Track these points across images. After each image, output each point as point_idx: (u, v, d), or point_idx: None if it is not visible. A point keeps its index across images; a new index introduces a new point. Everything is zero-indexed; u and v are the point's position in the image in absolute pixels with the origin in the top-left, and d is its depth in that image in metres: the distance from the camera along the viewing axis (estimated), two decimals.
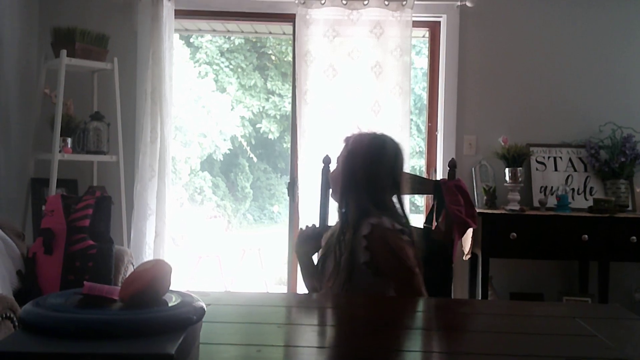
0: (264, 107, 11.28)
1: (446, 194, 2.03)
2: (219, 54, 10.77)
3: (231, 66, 10.99)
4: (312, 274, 2.13)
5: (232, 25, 4.39)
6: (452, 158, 2.32)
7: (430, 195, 3.32)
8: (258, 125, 11.27)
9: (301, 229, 2.20)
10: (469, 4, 3.67)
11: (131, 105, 3.65)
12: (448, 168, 2.22)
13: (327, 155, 2.28)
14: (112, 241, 2.83)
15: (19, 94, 3.51)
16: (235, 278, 7.17)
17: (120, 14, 3.68)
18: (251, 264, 7.52)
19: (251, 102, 11.24)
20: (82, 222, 2.74)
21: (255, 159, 12.07)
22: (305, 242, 2.15)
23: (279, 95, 11.22)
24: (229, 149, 11.40)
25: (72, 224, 2.73)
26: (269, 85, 11.26)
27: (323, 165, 2.28)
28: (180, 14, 3.72)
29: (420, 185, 2.21)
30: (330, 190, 2.11)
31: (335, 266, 1.91)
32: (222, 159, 11.44)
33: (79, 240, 2.71)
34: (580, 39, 3.79)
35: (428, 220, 2.16)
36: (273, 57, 11.42)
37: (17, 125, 3.50)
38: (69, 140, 3.32)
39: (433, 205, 2.15)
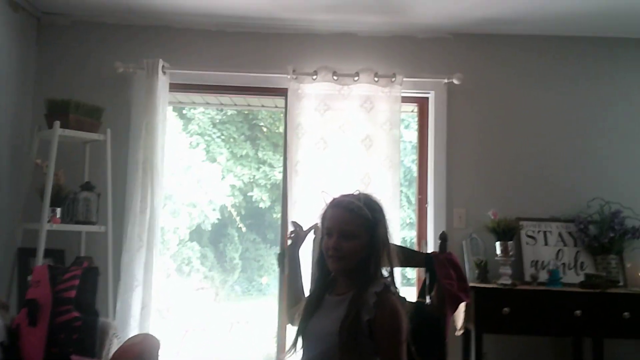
0: (254, 177, 11.33)
1: (438, 268, 2.02)
2: (211, 125, 10.89)
3: (223, 137, 11.10)
4: (298, 286, 2.23)
5: (225, 98, 4.46)
6: (443, 231, 2.32)
7: (421, 268, 3.31)
8: (249, 194, 11.29)
9: (295, 230, 2.30)
10: (456, 82, 3.77)
11: (122, 175, 3.66)
12: (439, 241, 2.22)
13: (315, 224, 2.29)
14: (98, 313, 2.77)
15: (11, 164, 3.51)
16: (222, 352, 6.99)
17: (114, 86, 3.74)
18: (239, 337, 7.36)
19: (242, 172, 11.29)
20: (68, 293, 2.70)
21: (244, 229, 12.02)
22: (297, 243, 2.26)
23: (270, 165, 11.30)
24: (218, 219, 11.35)
25: (57, 295, 2.68)
26: (260, 154, 11.35)
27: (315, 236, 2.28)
28: (174, 87, 3.79)
29: (412, 257, 2.20)
30: (344, 261, 2.02)
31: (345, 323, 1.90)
32: (210, 228, 11.38)
33: (64, 312, 2.65)
34: (567, 114, 3.88)
35: (421, 294, 2.14)
36: (264, 129, 11.57)
37: (7, 194, 3.48)
38: (58, 210, 3.30)
39: (425, 279, 2.13)
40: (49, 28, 3.80)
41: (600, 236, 3.64)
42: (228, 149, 11.34)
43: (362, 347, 1.86)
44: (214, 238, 11.97)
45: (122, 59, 3.70)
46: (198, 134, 10.72)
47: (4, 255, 3.39)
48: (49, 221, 3.22)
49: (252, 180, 11.42)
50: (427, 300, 2.19)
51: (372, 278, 1.93)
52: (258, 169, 11.42)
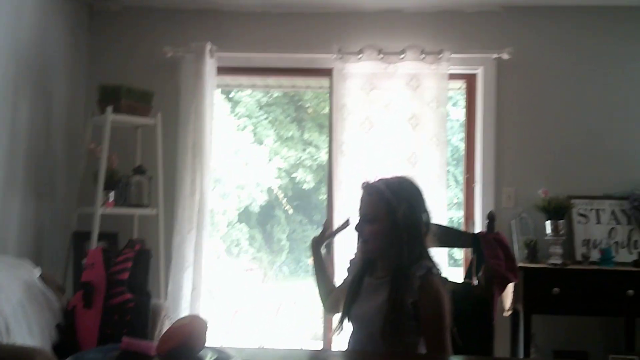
0: (300, 158, 11.39)
1: (485, 248, 2.00)
2: (258, 108, 10.97)
3: (269, 119, 11.18)
4: (322, 275, 2.26)
5: (271, 80, 4.47)
6: (491, 210, 2.29)
7: (468, 249, 3.28)
8: (294, 175, 11.36)
9: (324, 228, 2.32)
10: (505, 57, 3.69)
11: (172, 159, 3.72)
12: (487, 220, 2.19)
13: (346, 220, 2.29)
14: (150, 295, 2.84)
15: (66, 149, 3.63)
16: (270, 333, 7.10)
17: (164, 71, 3.80)
18: (287, 318, 7.46)
19: (288, 153, 11.36)
20: (121, 276, 2.77)
21: (291, 211, 12.11)
22: (321, 240, 2.27)
23: (315, 146, 11.33)
24: (266, 201, 11.47)
25: (111, 277, 2.75)
26: (305, 136, 11.39)
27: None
28: (222, 70, 3.83)
29: (458, 238, 2.18)
30: (367, 245, 2.04)
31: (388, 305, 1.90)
32: (258, 210, 11.51)
33: (117, 294, 2.73)
34: (621, 89, 3.76)
35: (468, 274, 2.12)
36: (310, 110, 11.58)
37: (63, 179, 3.60)
38: (112, 194, 3.39)
39: (472, 260, 2.11)
40: (100, 14, 3.88)
41: None
42: (275, 131, 11.42)
43: (406, 328, 1.87)
44: (261, 219, 12.11)
45: (170, 44, 3.75)
46: (245, 117, 10.82)
47: (60, 239, 3.51)
48: (102, 205, 3.31)
49: (298, 162, 11.50)
50: (475, 281, 2.17)
51: (409, 261, 1.91)
52: (304, 150, 11.47)
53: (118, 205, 3.44)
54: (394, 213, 1.92)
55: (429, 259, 1.94)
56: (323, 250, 2.30)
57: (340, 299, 2.15)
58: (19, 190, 3.16)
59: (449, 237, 2.09)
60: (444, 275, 1.91)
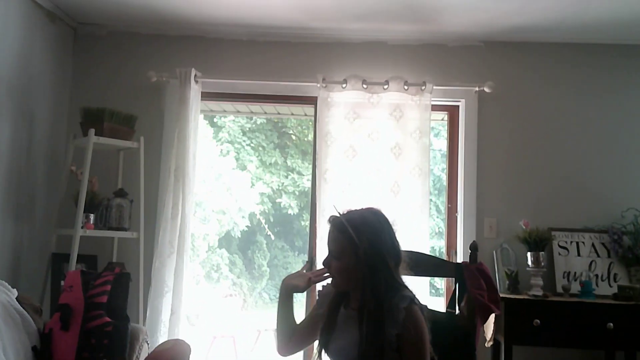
0: (283, 184, 11.39)
1: (468, 278, 2.01)
2: (241, 133, 11.00)
3: (252, 145, 11.20)
4: (288, 320, 2.15)
5: (255, 107, 4.50)
6: (474, 241, 2.30)
7: (451, 279, 3.29)
8: (278, 200, 11.35)
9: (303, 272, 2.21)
10: (487, 90, 3.74)
11: (154, 182, 3.71)
12: (469, 251, 2.20)
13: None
14: (129, 319, 2.81)
15: (46, 171, 3.59)
16: None
17: (147, 95, 3.81)
18: (266, 345, 7.37)
19: (271, 179, 11.37)
20: (100, 299, 2.74)
21: (272, 237, 12.07)
22: (299, 277, 2.15)
23: (299, 172, 11.36)
24: (247, 226, 11.43)
25: (89, 300, 2.72)
26: (289, 162, 11.42)
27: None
28: (206, 95, 3.84)
29: (441, 267, 2.18)
30: (335, 280, 2.04)
31: (365, 337, 1.88)
32: (239, 236, 11.46)
33: (96, 317, 2.69)
34: (601, 123, 3.82)
35: (450, 304, 2.12)
36: (293, 137, 11.64)
37: (42, 201, 3.56)
38: (92, 216, 3.36)
39: (455, 290, 2.12)
40: (85, 38, 3.89)
41: (635, 247, 3.57)
42: (257, 156, 11.44)
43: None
44: (242, 245, 12.05)
45: (155, 69, 3.76)
46: (228, 142, 10.83)
47: (38, 261, 3.46)
48: (82, 227, 3.27)
49: (280, 187, 11.51)
50: (457, 311, 2.17)
51: (379, 293, 1.90)
52: (287, 176, 11.49)
53: (98, 227, 3.40)
54: (356, 250, 1.92)
55: (407, 289, 1.94)
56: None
57: (305, 337, 2.14)
58: None
59: (432, 266, 2.10)
60: (424, 304, 1.90)
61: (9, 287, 2.76)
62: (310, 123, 4.00)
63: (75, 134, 3.52)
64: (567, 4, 3.34)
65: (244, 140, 11.04)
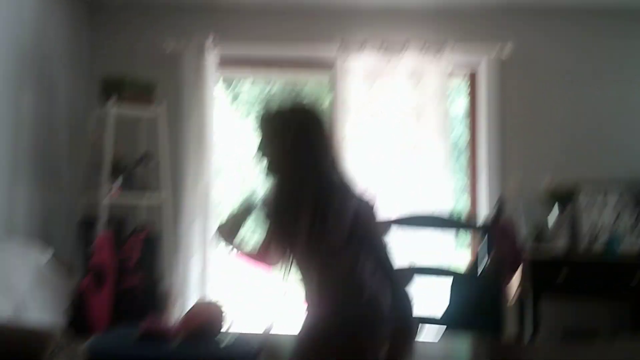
0: None
1: (495, 234, 2.00)
2: (258, 100, 10.91)
3: None
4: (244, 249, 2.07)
5: (272, 75, 4.41)
6: (501, 195, 2.29)
7: (476, 239, 3.30)
8: None
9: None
10: (507, 51, 3.71)
11: (176, 149, 3.71)
12: (497, 205, 2.19)
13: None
14: (158, 279, 2.87)
15: (69, 140, 3.62)
16: (278, 317, 7.04)
17: (166, 64, 3.78)
18: (294, 302, 7.40)
19: None
20: (130, 260, 2.80)
21: None
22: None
23: None
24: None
25: (121, 261, 2.78)
26: None
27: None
28: (224, 62, 3.82)
29: (468, 225, 2.18)
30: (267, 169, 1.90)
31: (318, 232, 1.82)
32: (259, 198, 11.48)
33: (126, 278, 2.76)
34: (627, 78, 3.77)
35: (474, 264, 2.12)
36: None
37: (67, 169, 3.60)
38: (118, 181, 3.38)
39: (482, 245, 2.11)
40: (101, 9, 3.85)
41: None
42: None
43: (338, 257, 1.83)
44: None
45: (172, 37, 3.74)
46: (248, 104, 10.77)
47: (67, 227, 3.51)
48: (109, 192, 3.30)
49: None
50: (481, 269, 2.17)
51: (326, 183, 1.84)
52: None
53: (124, 192, 3.43)
54: (282, 139, 1.85)
55: (347, 188, 1.86)
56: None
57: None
58: (25, 180, 3.16)
59: (459, 225, 2.10)
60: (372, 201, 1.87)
61: (41, 247, 2.82)
62: (327, 89, 3.96)
63: (96, 101, 3.51)
64: None
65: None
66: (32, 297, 2.42)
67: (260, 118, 1.91)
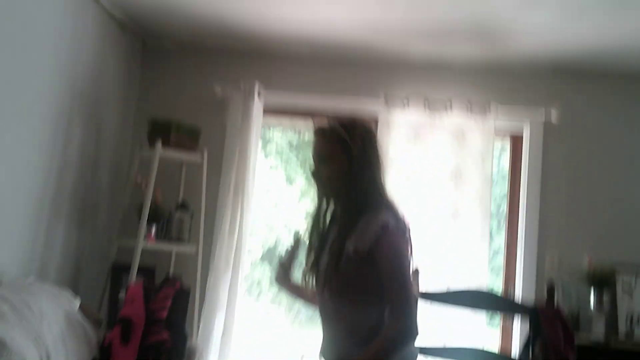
0: None
1: (545, 324, 1.93)
2: (289, 148, 10.97)
3: (299, 160, 11.16)
4: (301, 291, 2.14)
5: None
6: (550, 279, 2.23)
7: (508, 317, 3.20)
8: None
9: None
10: (553, 117, 3.67)
11: (214, 197, 3.72)
12: (547, 292, 2.12)
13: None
14: (187, 336, 2.82)
15: (111, 181, 3.64)
16: None
17: (211, 108, 3.82)
18: None
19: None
20: (160, 313, 2.75)
21: None
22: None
23: None
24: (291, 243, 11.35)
25: (150, 315, 2.73)
26: None
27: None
28: (267, 111, 3.85)
29: (513, 308, 2.11)
30: (325, 188, 1.96)
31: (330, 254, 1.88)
32: (283, 252, 11.37)
33: (155, 332, 2.70)
34: None
35: (524, 350, 2.04)
36: None
37: (105, 210, 3.61)
38: (154, 228, 3.37)
39: (529, 334, 2.04)
40: (153, 50, 3.94)
41: None
42: (304, 172, 11.37)
43: (355, 276, 1.84)
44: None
45: (220, 82, 3.78)
46: (277, 154, 10.81)
47: (98, 270, 3.49)
48: (144, 238, 3.29)
49: None
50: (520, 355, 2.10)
51: (365, 200, 1.87)
52: None
53: (159, 239, 3.42)
54: (349, 149, 1.88)
55: (390, 205, 1.90)
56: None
57: None
58: (64, 218, 3.17)
59: (503, 306, 2.03)
60: (407, 225, 1.89)
61: (72, 295, 2.79)
62: None
63: (141, 144, 3.54)
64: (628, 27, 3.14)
65: (292, 154, 11.02)
66: (60, 347, 2.38)
67: (318, 131, 1.93)
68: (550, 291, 2.12)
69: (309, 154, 2.02)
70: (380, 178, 1.93)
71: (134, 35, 3.80)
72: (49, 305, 2.48)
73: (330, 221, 2.03)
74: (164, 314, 2.76)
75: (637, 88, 3.77)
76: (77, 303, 2.76)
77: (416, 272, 2.12)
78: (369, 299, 1.86)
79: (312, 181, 1.96)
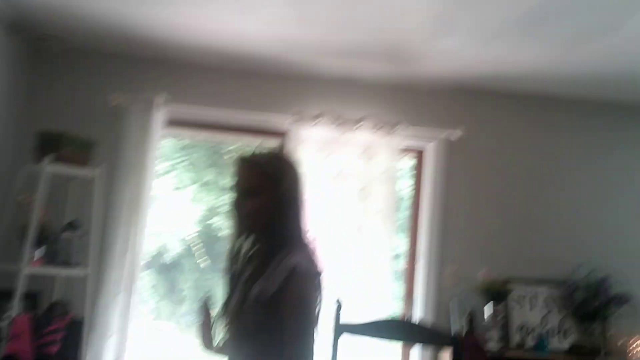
0: (215, 204, 11.04)
1: (466, 351, 1.94)
2: (176, 150, 10.61)
3: (189, 162, 10.83)
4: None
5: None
6: (472, 309, 2.24)
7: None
8: (209, 222, 11.00)
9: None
10: (456, 136, 3.77)
11: (105, 215, 3.46)
12: (468, 320, 2.14)
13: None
14: None
15: None
16: None
17: (105, 119, 3.56)
18: None
19: (207, 198, 11.01)
20: (49, 349, 2.53)
21: (203, 264, 11.71)
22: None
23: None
24: (178, 252, 11.01)
25: (39, 350, 2.49)
26: (221, 182, 11.09)
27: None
28: (170, 123, 3.65)
29: (436, 336, 2.11)
30: (249, 221, 1.83)
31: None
32: (169, 261, 11.02)
33: None
34: (562, 178, 3.92)
35: None
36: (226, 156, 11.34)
37: None
38: (39, 250, 3.07)
39: None
40: (42, 54, 3.60)
41: (586, 303, 3.65)
42: (194, 174, 11.06)
43: (257, 324, 1.73)
44: (165, 267, 11.58)
45: (117, 91, 3.53)
46: (164, 160, 10.42)
47: None
48: (30, 262, 2.99)
49: (213, 207, 11.14)
50: None
51: (283, 241, 1.78)
52: (217, 197, 11.14)
53: (45, 263, 3.12)
54: (277, 186, 1.80)
55: (304, 247, 1.81)
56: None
57: None
58: None
59: (425, 335, 2.03)
60: (318, 271, 1.79)
61: None
62: None
63: (26, 158, 3.21)
64: (546, 56, 3.34)
65: (180, 157, 10.68)
66: None
67: (245, 162, 1.82)
68: (471, 320, 2.14)
69: (227, 182, 1.89)
70: (302, 217, 1.84)
71: (22, 37, 3.44)
72: None
73: (246, 259, 1.90)
74: (54, 349, 2.53)
75: (530, 107, 3.97)
76: None
77: (339, 305, 2.06)
78: (265, 349, 1.74)
79: (231, 214, 1.83)
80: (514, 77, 3.72)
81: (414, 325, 2.06)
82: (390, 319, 2.19)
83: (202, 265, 12.12)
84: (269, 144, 3.91)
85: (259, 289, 1.72)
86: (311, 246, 1.83)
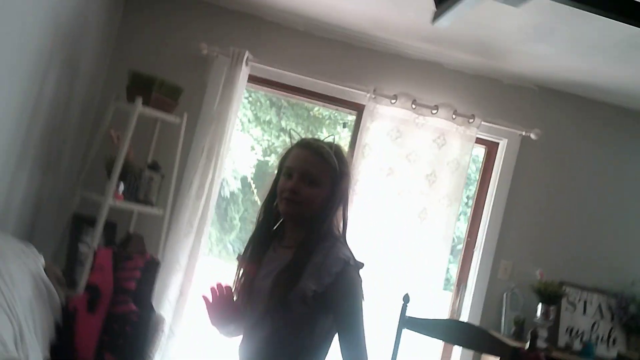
0: (273, 144, 11.17)
1: None
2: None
3: (250, 99, 10.94)
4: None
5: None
6: (535, 328, 2.30)
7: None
8: (267, 158, 11.16)
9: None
10: (532, 136, 3.72)
11: (184, 159, 3.60)
12: (528, 338, 2.20)
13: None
14: (153, 309, 2.77)
15: (77, 127, 3.44)
16: None
17: (192, 67, 3.64)
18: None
19: (263, 137, 11.15)
20: (128, 284, 2.68)
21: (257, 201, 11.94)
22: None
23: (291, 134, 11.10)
24: (238, 188, 11.25)
25: (118, 284, 2.66)
26: (283, 123, 11.17)
27: None
28: (253, 80, 3.71)
29: (496, 347, 2.18)
30: (300, 206, 1.83)
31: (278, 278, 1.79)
32: (228, 196, 11.29)
33: (122, 302, 2.63)
34: (631, 191, 3.88)
35: None
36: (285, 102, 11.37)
37: (69, 158, 3.42)
38: (122, 186, 3.23)
39: None
40: None
41: (638, 317, 3.66)
42: (253, 111, 11.15)
43: (295, 311, 1.75)
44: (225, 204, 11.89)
45: (205, 41, 3.57)
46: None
47: (55, 220, 3.34)
48: (113, 195, 3.14)
49: (270, 146, 11.27)
50: None
51: (325, 233, 1.82)
52: (278, 137, 11.25)
53: (126, 198, 3.28)
54: (338, 182, 1.84)
55: (345, 246, 1.84)
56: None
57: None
58: (30, 162, 2.98)
59: (487, 343, 2.09)
60: (361, 263, 1.83)
61: (37, 252, 2.67)
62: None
63: (118, 95, 3.33)
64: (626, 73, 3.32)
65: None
66: (29, 317, 2.27)
67: (313, 150, 1.83)
68: (533, 338, 2.19)
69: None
70: (347, 214, 1.88)
71: None
72: (18, 269, 2.36)
73: (272, 237, 1.94)
74: (132, 284, 2.69)
75: (612, 115, 3.91)
76: (41, 261, 2.65)
77: (407, 299, 2.13)
78: (306, 341, 1.79)
79: (283, 195, 1.83)
80: (605, 89, 3.68)
81: (476, 330, 2.12)
82: (454, 320, 2.24)
83: (255, 199, 12.26)
84: (344, 114, 4.00)
85: (314, 286, 1.73)
86: (348, 242, 1.87)
